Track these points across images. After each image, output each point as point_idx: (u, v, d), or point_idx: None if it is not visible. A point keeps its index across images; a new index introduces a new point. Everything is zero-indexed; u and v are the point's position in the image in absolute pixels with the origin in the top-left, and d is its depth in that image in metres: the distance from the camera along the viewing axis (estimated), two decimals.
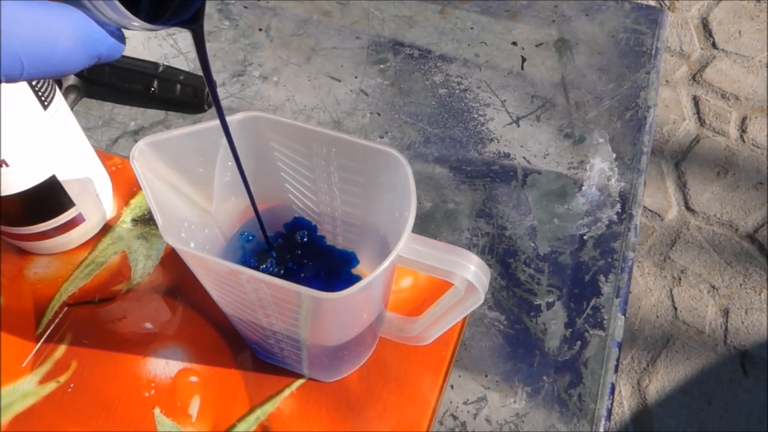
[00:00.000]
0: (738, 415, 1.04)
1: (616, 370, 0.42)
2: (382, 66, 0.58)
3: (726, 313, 1.15)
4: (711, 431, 1.03)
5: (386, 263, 0.29)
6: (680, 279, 1.19)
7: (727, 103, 1.42)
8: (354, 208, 0.38)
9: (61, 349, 0.41)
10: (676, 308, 1.16)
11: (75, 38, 0.20)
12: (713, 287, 1.17)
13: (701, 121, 1.40)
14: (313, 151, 0.35)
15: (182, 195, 0.34)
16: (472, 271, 0.30)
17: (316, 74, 0.57)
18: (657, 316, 1.15)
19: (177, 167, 0.34)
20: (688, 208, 1.27)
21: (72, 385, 0.39)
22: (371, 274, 0.28)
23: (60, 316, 0.42)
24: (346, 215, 0.39)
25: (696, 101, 1.43)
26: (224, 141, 0.34)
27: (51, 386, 0.39)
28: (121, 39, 0.22)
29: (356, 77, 0.57)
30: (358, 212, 0.38)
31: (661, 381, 1.08)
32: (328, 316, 0.32)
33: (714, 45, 1.54)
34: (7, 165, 0.36)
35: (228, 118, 0.33)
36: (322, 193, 0.38)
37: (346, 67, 0.58)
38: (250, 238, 0.40)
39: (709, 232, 1.24)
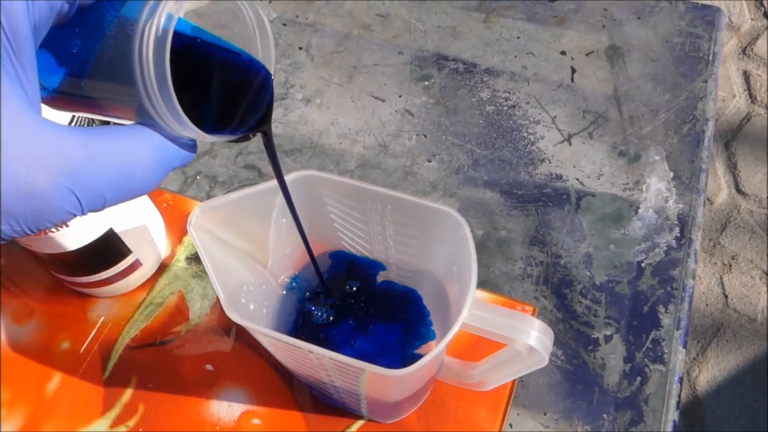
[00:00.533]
0: None
1: (677, 407, 0.41)
2: (426, 83, 0.57)
3: None
4: (764, 422, 1.01)
5: (450, 335, 0.29)
6: (731, 265, 1.15)
7: None
8: (410, 257, 0.37)
9: (128, 393, 0.42)
10: (726, 296, 1.13)
11: (153, 162, 0.20)
12: (766, 273, 1.14)
13: (752, 97, 1.34)
14: (367, 207, 0.34)
15: (239, 255, 0.35)
16: (534, 337, 0.30)
17: (359, 94, 0.56)
18: (707, 305, 1.12)
19: (233, 229, 0.34)
20: (738, 190, 1.23)
21: (141, 430, 0.41)
22: (435, 348, 0.28)
23: (124, 359, 0.43)
24: (402, 262, 0.38)
25: (746, 76, 1.37)
26: (278, 200, 0.34)
27: (121, 431, 0.41)
28: (193, 148, 0.22)
29: (400, 96, 0.56)
30: (414, 260, 0.38)
31: (712, 371, 1.06)
32: (390, 382, 0.32)
33: (766, 14, 1.47)
34: (67, 225, 0.37)
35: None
36: (376, 243, 0.38)
37: (389, 85, 0.57)
38: (305, 284, 0.40)
39: (760, 215, 1.20)
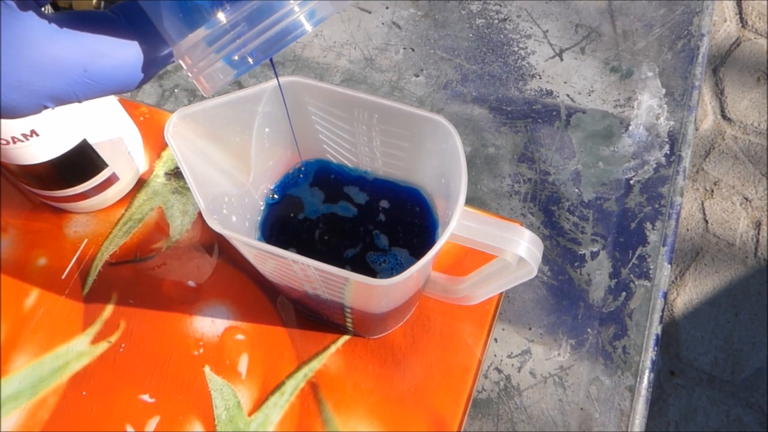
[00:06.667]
0: (764, 326, 1.05)
1: (661, 321, 0.41)
2: None
3: (758, 225, 1.13)
4: (737, 342, 1.04)
5: (438, 244, 0.28)
6: (713, 191, 1.16)
7: None
8: (398, 170, 0.36)
9: (109, 309, 0.41)
10: (707, 221, 1.14)
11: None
12: (746, 199, 1.15)
13: (743, 22, 1.31)
14: (353, 116, 0.33)
15: (220, 166, 0.33)
16: (524, 247, 0.29)
17: (345, 5, 0.54)
18: (687, 230, 1.14)
19: (212, 138, 0.32)
20: (724, 116, 1.22)
21: (123, 345, 0.40)
22: (423, 258, 0.28)
23: (104, 275, 0.42)
24: (389, 174, 0.37)
25: (739, 0, 1.34)
26: (261, 108, 0.33)
27: (103, 346, 0.40)
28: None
29: (387, 8, 0.53)
30: (401, 173, 0.37)
31: (689, 294, 1.08)
32: (376, 293, 0.32)
33: None
34: (37, 134, 0.35)
35: (263, 85, 0.32)
36: (362, 155, 0.36)
37: None
38: (287, 195, 0.39)
39: (745, 141, 1.20)
